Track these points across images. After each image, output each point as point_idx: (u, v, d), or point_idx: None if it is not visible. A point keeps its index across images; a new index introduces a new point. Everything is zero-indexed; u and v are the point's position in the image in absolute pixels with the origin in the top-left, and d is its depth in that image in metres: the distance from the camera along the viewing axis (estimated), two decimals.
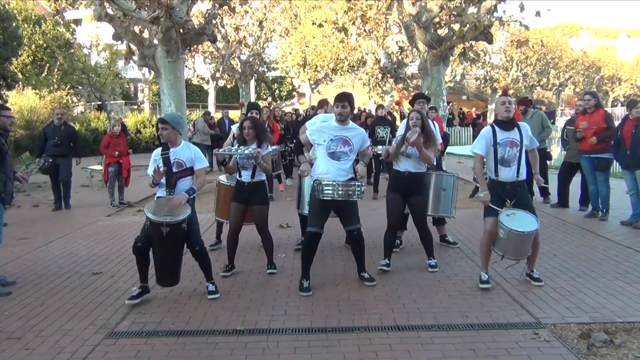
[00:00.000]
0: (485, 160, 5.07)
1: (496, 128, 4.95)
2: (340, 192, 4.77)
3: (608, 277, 5.22)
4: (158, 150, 4.88)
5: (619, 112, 26.48)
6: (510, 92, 33.43)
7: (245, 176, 5.38)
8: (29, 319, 4.45)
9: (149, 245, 4.64)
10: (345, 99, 4.97)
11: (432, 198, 6.11)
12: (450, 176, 6.23)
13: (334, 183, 4.79)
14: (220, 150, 5.42)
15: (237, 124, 7.37)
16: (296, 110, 23.22)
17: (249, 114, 6.51)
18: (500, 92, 5.30)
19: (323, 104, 12.00)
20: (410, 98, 6.58)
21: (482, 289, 4.95)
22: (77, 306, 4.72)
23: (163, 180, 4.73)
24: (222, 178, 6.33)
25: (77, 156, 9.87)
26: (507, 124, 4.91)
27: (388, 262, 5.58)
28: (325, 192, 4.78)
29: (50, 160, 9.25)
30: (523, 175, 4.94)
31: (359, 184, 4.87)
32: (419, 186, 5.50)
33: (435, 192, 6.13)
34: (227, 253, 5.58)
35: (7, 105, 16.54)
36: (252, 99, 28.29)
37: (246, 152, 5.18)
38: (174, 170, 4.74)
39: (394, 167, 5.58)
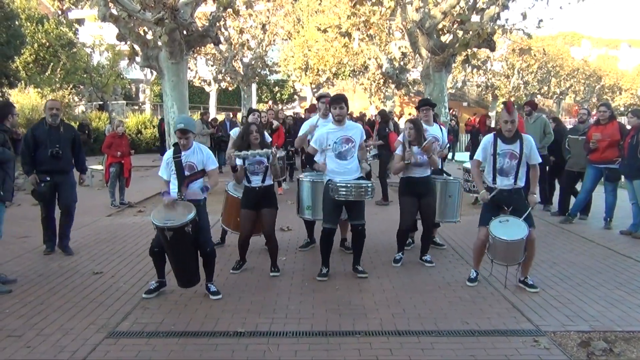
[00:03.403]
0: (483, 166, 5.26)
1: (498, 138, 5.04)
2: (353, 193, 5.15)
3: (608, 286, 5.24)
4: (170, 153, 4.94)
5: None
6: (512, 99, 33.48)
7: (256, 181, 5.42)
8: (29, 317, 4.46)
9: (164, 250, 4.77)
10: (342, 100, 5.38)
11: (438, 205, 6.19)
12: (455, 182, 6.32)
13: (349, 185, 5.15)
14: (235, 153, 5.35)
15: (236, 129, 7.38)
16: (297, 113, 23.22)
17: (250, 117, 6.57)
18: (501, 104, 5.43)
19: (314, 108, 12.11)
20: (416, 104, 6.70)
21: (470, 287, 5.20)
22: (77, 305, 4.73)
23: (175, 181, 4.81)
24: (230, 187, 6.35)
25: (81, 171, 6.87)
26: (508, 137, 5.00)
27: (402, 255, 6.00)
28: (341, 192, 5.14)
29: (48, 178, 6.25)
30: (520, 183, 5.00)
31: (370, 184, 5.25)
32: (429, 188, 5.82)
33: (442, 199, 6.23)
34: (239, 252, 5.72)
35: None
36: (254, 102, 28.28)
37: (265, 153, 5.23)
38: (186, 173, 4.80)
39: (403, 174, 5.83)
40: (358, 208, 5.35)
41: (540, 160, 5.17)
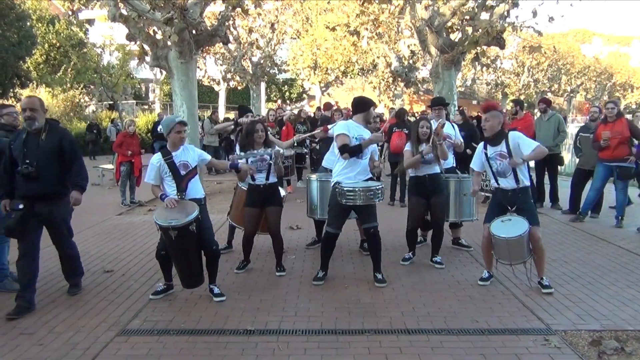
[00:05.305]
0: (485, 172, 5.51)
1: (487, 144, 5.18)
2: (362, 197, 4.97)
3: (619, 285, 5.19)
4: (158, 156, 4.80)
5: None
6: (522, 97, 33.27)
7: (260, 179, 5.42)
8: (41, 315, 4.50)
9: None
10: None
11: (453, 204, 6.20)
12: (468, 180, 6.25)
13: (356, 189, 4.99)
14: (239, 153, 5.34)
15: (241, 119, 7.25)
16: (305, 112, 23.27)
17: (243, 118, 6.51)
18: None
19: (329, 106, 12.12)
20: (429, 103, 6.73)
21: (480, 286, 5.20)
22: (89, 303, 4.77)
23: (173, 184, 4.74)
24: (241, 183, 6.34)
25: (74, 185, 4.77)
26: (492, 139, 5.09)
27: (411, 255, 5.96)
28: (348, 197, 4.98)
29: (21, 206, 4.48)
30: (524, 183, 5.04)
31: (380, 185, 5.12)
32: (439, 186, 5.77)
33: (457, 198, 6.21)
34: (243, 250, 5.71)
35: (16, 103, 16.70)
36: (263, 101, 28.32)
37: (266, 152, 5.21)
38: (182, 173, 4.74)
39: (412, 173, 5.82)
40: (368, 210, 5.16)
41: (536, 143, 5.05)
